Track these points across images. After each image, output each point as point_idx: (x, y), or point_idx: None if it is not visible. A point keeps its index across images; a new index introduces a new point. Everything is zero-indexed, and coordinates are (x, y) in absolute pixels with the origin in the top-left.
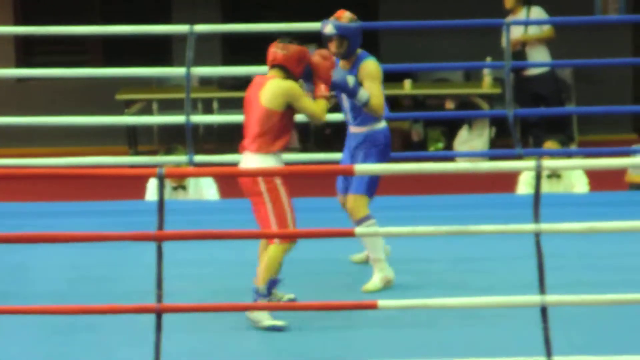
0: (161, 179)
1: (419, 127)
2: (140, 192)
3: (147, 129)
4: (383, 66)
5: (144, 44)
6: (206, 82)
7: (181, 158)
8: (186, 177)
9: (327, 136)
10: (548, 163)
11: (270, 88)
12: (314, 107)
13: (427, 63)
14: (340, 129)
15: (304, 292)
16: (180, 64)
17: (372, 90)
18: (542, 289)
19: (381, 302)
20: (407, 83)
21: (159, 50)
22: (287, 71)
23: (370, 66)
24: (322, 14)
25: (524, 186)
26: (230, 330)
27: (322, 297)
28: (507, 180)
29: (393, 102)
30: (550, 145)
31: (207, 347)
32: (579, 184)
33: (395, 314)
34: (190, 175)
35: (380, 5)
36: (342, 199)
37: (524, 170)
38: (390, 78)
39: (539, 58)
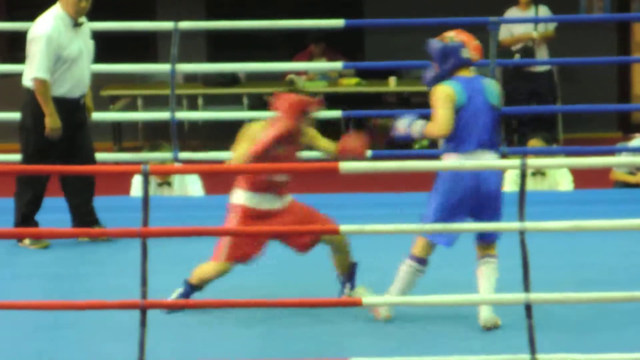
0: (146, 175)
1: None
2: (125, 188)
3: (132, 125)
4: (368, 63)
5: (129, 40)
6: (191, 79)
7: (166, 154)
8: (171, 174)
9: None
10: (533, 162)
11: None
12: (238, 154)
13: (412, 60)
14: (325, 126)
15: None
16: (165, 60)
17: (434, 116)
18: (526, 287)
19: (365, 299)
20: (392, 80)
21: (143, 47)
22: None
23: (435, 93)
24: (306, 11)
25: (509, 184)
26: (214, 326)
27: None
28: None
29: (378, 100)
30: (534, 143)
31: (191, 344)
32: (564, 182)
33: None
34: (175, 172)
35: (365, 3)
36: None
37: (509, 168)
38: (375, 75)
39: (543, 56)
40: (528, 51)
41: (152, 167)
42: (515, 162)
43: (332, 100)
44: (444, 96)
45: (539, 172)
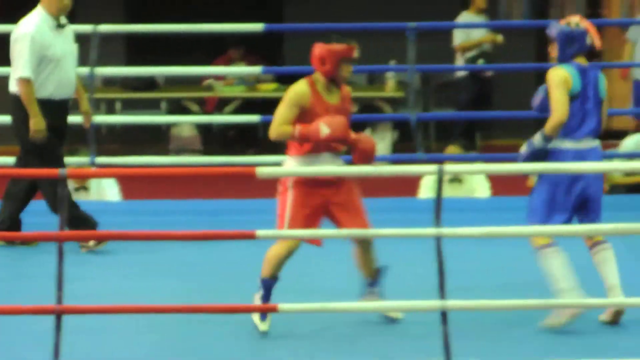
0: (63, 180)
1: None
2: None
3: None
4: (287, 68)
5: None
6: (109, 83)
7: (83, 159)
8: (88, 178)
9: (230, 139)
10: (449, 167)
11: None
12: (279, 120)
13: None
14: (243, 131)
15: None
16: (84, 63)
17: (551, 103)
18: (442, 294)
19: (281, 306)
20: None
21: None
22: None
23: (548, 76)
24: (224, 16)
25: (426, 190)
26: (130, 332)
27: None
28: (409, 185)
29: None
30: (452, 150)
31: (108, 349)
32: (481, 189)
33: (295, 318)
34: (92, 176)
35: (285, 8)
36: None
37: (426, 174)
38: (294, 80)
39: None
40: (489, 56)
41: (69, 172)
42: (432, 168)
43: (250, 106)
44: (560, 80)
45: (456, 179)
